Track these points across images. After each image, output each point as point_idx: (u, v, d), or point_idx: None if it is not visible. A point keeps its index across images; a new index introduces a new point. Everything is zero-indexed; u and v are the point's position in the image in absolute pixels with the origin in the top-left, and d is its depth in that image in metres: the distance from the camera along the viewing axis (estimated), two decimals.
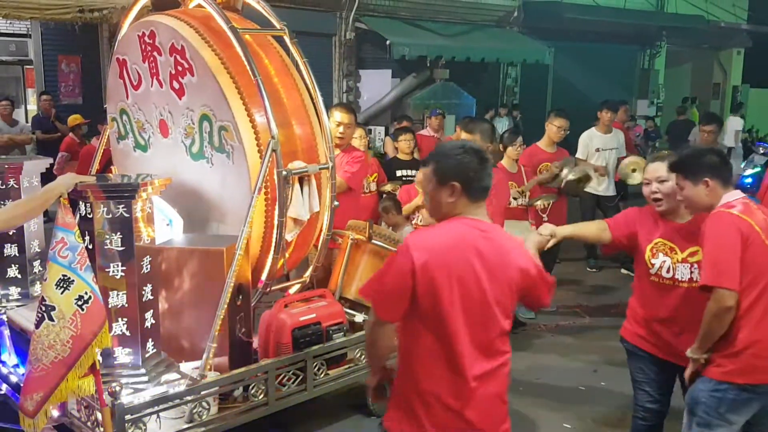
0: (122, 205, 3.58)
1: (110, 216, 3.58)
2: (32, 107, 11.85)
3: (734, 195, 3.03)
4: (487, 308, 2.40)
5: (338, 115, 5.23)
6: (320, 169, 4.36)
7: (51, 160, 7.43)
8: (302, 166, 4.20)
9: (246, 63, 4.03)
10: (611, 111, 7.81)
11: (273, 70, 4.43)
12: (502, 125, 13.26)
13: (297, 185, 4.17)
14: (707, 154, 3.10)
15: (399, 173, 6.78)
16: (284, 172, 4.06)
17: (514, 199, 6.03)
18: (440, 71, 13.27)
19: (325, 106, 4.59)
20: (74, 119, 9.16)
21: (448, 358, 2.38)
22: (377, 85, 13.35)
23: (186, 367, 3.87)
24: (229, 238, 3.98)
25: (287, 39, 4.50)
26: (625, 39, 18.27)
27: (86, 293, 2.98)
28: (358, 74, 13.53)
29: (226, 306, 3.75)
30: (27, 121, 10.90)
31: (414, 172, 6.44)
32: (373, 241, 4.67)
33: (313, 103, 4.49)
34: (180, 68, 4.26)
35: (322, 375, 4.19)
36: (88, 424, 3.51)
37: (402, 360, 2.49)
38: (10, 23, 10.79)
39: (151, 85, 4.53)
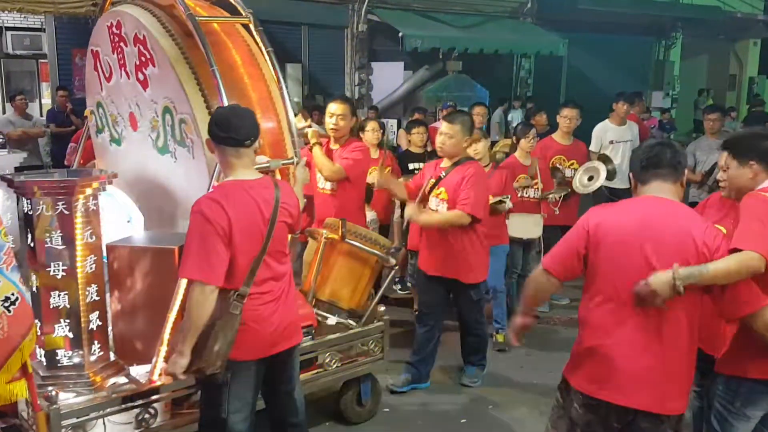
0: (62, 202, 3.37)
1: (50, 213, 3.37)
2: (46, 101, 11.90)
3: None
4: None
5: (332, 107, 5.06)
6: (283, 164, 4.03)
7: (25, 155, 7.65)
8: (264, 161, 3.83)
9: (204, 52, 3.76)
10: (627, 103, 7.73)
11: (239, 61, 4.14)
12: (517, 117, 13.21)
13: None
14: (759, 138, 3.03)
15: (411, 166, 6.74)
16: None
17: (517, 191, 5.97)
18: (453, 63, 13.18)
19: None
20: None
21: None
22: (390, 78, 13.30)
23: (138, 370, 3.65)
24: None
25: (252, 27, 4.22)
26: (640, 30, 18.11)
27: (13, 294, 2.80)
28: (371, 67, 13.47)
29: (178, 307, 3.47)
30: (41, 115, 10.96)
31: None
32: (347, 240, 4.33)
33: (282, 97, 4.19)
34: (143, 59, 4.05)
35: None
36: (34, 427, 3.26)
37: None
38: (25, 17, 10.84)
39: (120, 77, 4.31)
